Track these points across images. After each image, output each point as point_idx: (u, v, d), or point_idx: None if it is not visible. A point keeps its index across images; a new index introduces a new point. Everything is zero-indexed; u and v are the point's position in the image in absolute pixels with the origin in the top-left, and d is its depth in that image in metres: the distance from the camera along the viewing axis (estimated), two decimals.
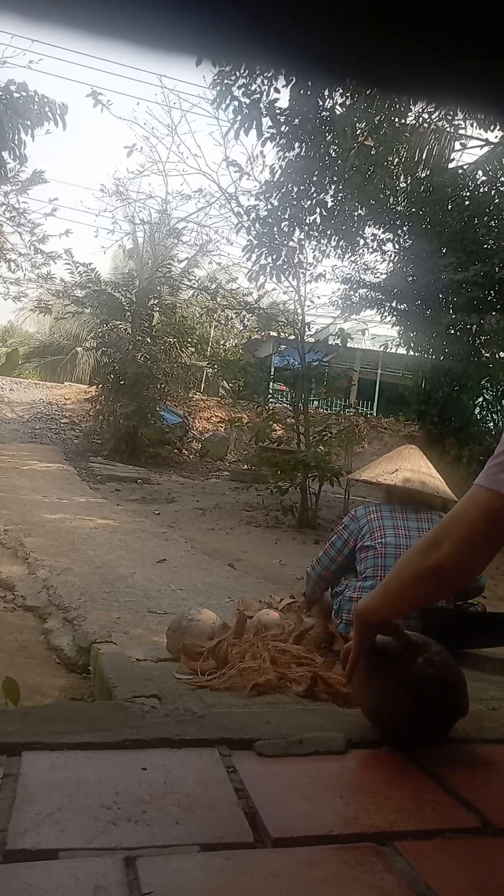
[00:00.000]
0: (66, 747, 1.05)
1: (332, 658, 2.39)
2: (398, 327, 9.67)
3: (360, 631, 1.24)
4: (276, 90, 7.08)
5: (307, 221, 8.14)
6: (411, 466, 2.85)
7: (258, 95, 7.01)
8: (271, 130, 7.38)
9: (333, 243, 8.51)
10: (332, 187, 8.07)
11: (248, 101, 6.99)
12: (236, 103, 7.00)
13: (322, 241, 8.39)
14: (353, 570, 2.76)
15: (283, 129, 7.39)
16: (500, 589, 4.99)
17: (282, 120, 7.30)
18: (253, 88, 7.00)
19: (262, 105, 7.01)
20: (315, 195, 8.03)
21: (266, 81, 6.96)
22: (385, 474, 2.83)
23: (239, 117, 7.01)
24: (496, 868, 0.87)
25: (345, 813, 0.96)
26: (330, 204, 8.12)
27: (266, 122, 7.19)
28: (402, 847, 0.88)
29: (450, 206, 8.60)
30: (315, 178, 7.88)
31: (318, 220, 8.14)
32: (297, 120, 7.36)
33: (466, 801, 1.02)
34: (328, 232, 8.30)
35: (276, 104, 7.19)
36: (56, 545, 5.12)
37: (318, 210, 8.11)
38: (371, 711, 1.24)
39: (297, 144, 7.65)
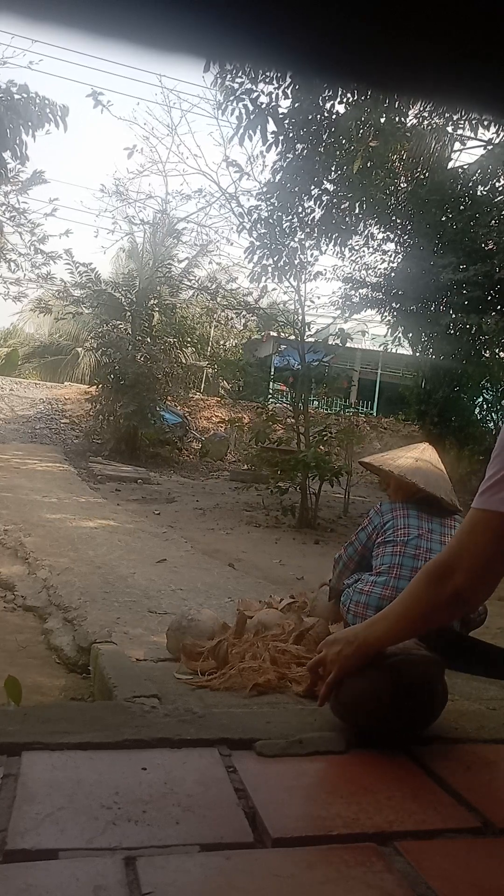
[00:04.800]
0: (66, 747, 1.05)
1: None
2: (401, 326, 9.66)
3: (355, 660, 1.24)
4: (285, 93, 7.08)
5: (307, 220, 8.14)
6: (441, 478, 2.74)
7: (263, 100, 7.02)
8: (273, 132, 7.38)
9: (332, 242, 8.51)
10: (332, 186, 8.08)
11: (251, 105, 7.00)
12: (240, 107, 7.00)
13: (321, 239, 8.38)
14: (368, 563, 2.73)
15: (286, 129, 7.39)
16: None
17: (285, 123, 7.30)
18: (256, 93, 7.00)
19: (266, 109, 7.01)
20: (315, 194, 8.03)
21: (269, 83, 6.97)
22: (424, 480, 2.69)
23: (244, 122, 7.01)
24: (496, 868, 0.87)
25: (345, 813, 0.96)
26: (329, 203, 8.12)
27: (269, 123, 7.20)
28: (402, 847, 0.88)
29: (450, 206, 8.60)
30: (316, 178, 7.88)
31: (317, 219, 8.14)
32: (298, 119, 7.36)
33: (466, 801, 1.02)
34: (326, 230, 8.29)
35: (279, 106, 7.20)
36: (56, 545, 5.13)
37: (317, 209, 8.12)
38: (344, 707, 1.24)
39: (298, 145, 7.65)
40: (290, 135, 7.49)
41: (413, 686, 1.20)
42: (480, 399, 11.11)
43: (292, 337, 8.79)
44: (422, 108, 7.55)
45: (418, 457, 2.84)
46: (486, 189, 8.69)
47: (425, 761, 1.14)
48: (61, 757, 1.03)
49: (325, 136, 7.67)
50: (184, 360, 14.85)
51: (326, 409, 13.03)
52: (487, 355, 9.49)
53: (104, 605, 3.69)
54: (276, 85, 6.98)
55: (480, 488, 1.16)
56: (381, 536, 2.68)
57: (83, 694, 2.80)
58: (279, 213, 8.00)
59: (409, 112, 7.63)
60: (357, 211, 8.59)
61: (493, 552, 1.14)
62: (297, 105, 7.30)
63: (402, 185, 8.91)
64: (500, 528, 1.13)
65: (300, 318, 8.59)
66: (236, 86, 6.99)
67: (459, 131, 8.16)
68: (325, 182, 8.05)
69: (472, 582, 1.15)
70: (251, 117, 7.00)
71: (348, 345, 9.08)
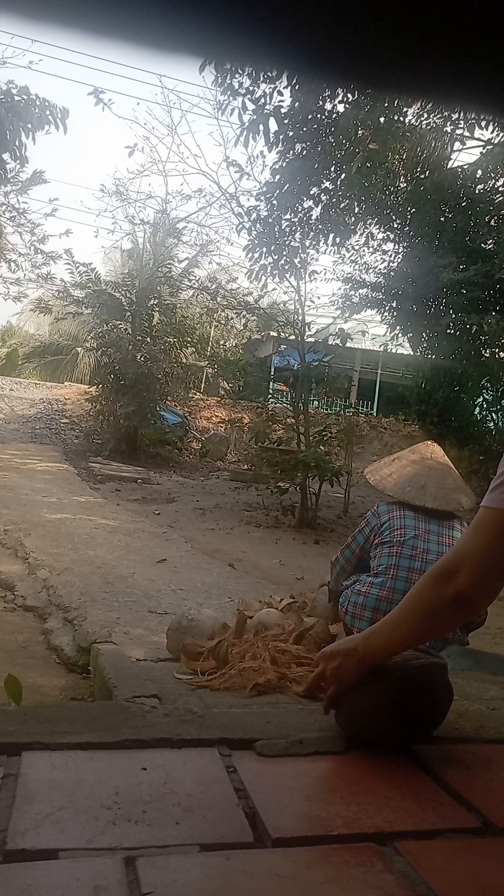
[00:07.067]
0: (66, 747, 1.05)
1: None
2: (399, 325, 9.66)
3: (355, 674, 1.20)
4: (280, 93, 7.08)
5: (306, 220, 8.15)
6: (437, 481, 2.76)
7: (263, 100, 7.01)
8: (275, 132, 7.38)
9: (331, 242, 8.51)
10: (332, 186, 8.08)
11: (253, 106, 7.00)
12: (242, 102, 7.00)
13: (320, 239, 8.39)
14: (366, 564, 2.72)
15: (286, 129, 7.39)
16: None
17: (285, 122, 7.30)
18: (258, 94, 7.00)
19: (267, 110, 7.01)
20: (315, 194, 8.04)
21: (269, 82, 6.97)
22: (413, 490, 2.69)
23: (246, 124, 7.02)
24: (496, 868, 0.87)
25: (345, 813, 0.96)
26: (329, 202, 8.13)
27: (270, 123, 7.20)
28: (402, 847, 0.88)
29: (449, 206, 8.60)
30: (315, 178, 7.89)
31: (317, 217, 8.15)
32: (298, 119, 7.36)
33: (466, 801, 1.02)
34: (327, 230, 8.29)
35: (280, 107, 7.20)
36: (56, 545, 5.13)
37: (316, 208, 8.13)
38: (346, 722, 1.22)
39: (298, 145, 7.65)
40: (291, 134, 7.49)
41: (413, 699, 1.19)
42: (480, 399, 11.08)
43: (292, 337, 8.79)
44: (421, 108, 7.55)
45: (417, 459, 2.83)
46: (485, 188, 8.70)
47: (425, 761, 1.14)
48: (61, 757, 1.03)
49: (324, 136, 7.67)
50: (184, 360, 14.86)
51: (326, 409, 13.03)
52: (487, 355, 9.48)
53: (104, 605, 3.69)
54: (273, 85, 6.99)
55: (490, 488, 1.14)
56: (378, 538, 2.67)
57: (83, 694, 2.80)
58: (278, 213, 8.01)
59: (409, 112, 7.63)
60: (356, 210, 8.60)
61: (498, 550, 1.11)
62: (296, 105, 7.30)
63: (401, 184, 8.91)
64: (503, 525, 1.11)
65: (300, 318, 8.60)
66: (236, 85, 7.00)
67: (459, 131, 8.17)
68: (324, 181, 8.05)
69: (476, 581, 1.12)
70: (251, 116, 7.01)
71: (348, 345, 9.09)
